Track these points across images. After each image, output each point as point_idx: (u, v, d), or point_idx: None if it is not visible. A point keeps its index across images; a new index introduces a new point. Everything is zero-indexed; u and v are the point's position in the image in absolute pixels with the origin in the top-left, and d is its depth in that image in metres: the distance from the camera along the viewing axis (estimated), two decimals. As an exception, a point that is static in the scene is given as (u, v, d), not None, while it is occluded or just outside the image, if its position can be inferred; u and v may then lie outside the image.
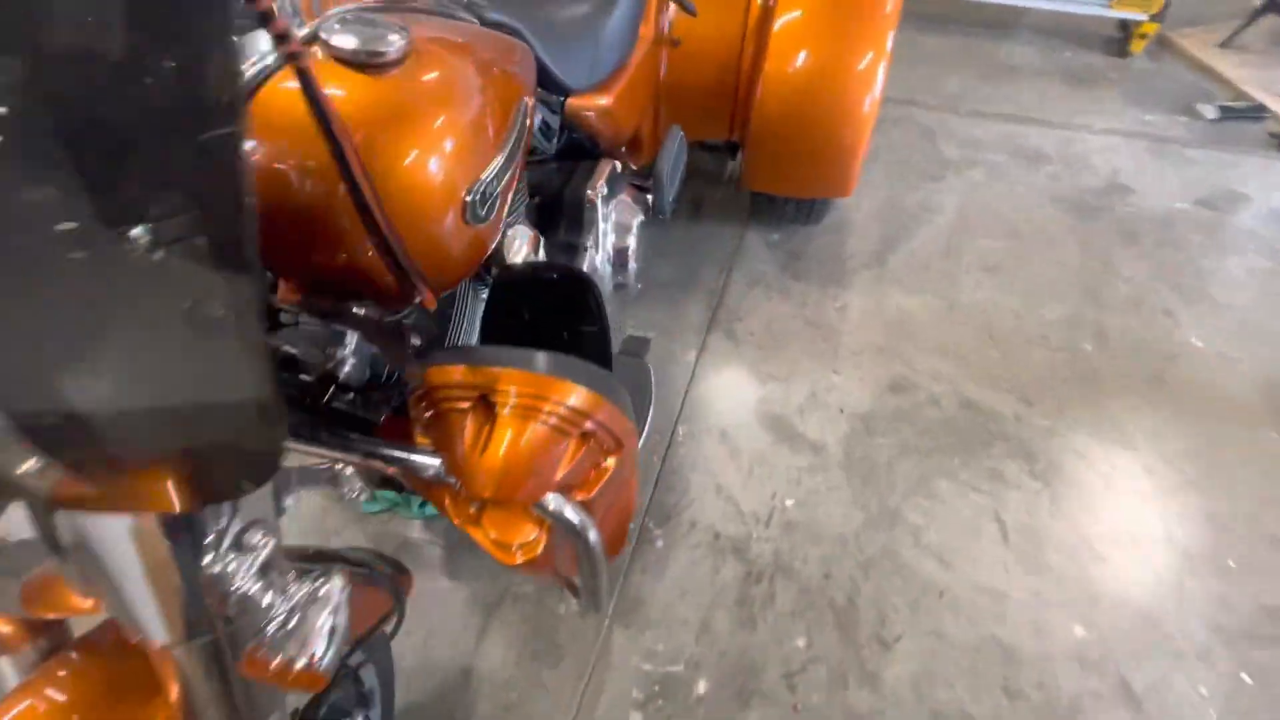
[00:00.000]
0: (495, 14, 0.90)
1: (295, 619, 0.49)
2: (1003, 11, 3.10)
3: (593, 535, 0.68)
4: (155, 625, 0.46)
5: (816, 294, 1.76)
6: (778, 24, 1.43)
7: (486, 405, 0.59)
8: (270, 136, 0.53)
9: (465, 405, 0.59)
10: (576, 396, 0.60)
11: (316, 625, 0.48)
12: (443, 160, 0.58)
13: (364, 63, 0.54)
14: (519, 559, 0.67)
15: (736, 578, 1.25)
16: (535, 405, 0.59)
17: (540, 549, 0.68)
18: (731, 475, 1.39)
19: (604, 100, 1.17)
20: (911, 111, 2.51)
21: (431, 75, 0.60)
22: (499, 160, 0.66)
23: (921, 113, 2.51)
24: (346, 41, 0.54)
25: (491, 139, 0.66)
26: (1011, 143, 2.36)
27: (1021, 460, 1.41)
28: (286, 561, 0.49)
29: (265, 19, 0.36)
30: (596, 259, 1.21)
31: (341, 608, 0.50)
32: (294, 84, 0.44)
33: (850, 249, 1.89)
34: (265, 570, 0.48)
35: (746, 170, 1.61)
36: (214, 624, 0.47)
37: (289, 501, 0.50)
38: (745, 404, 1.51)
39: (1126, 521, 1.32)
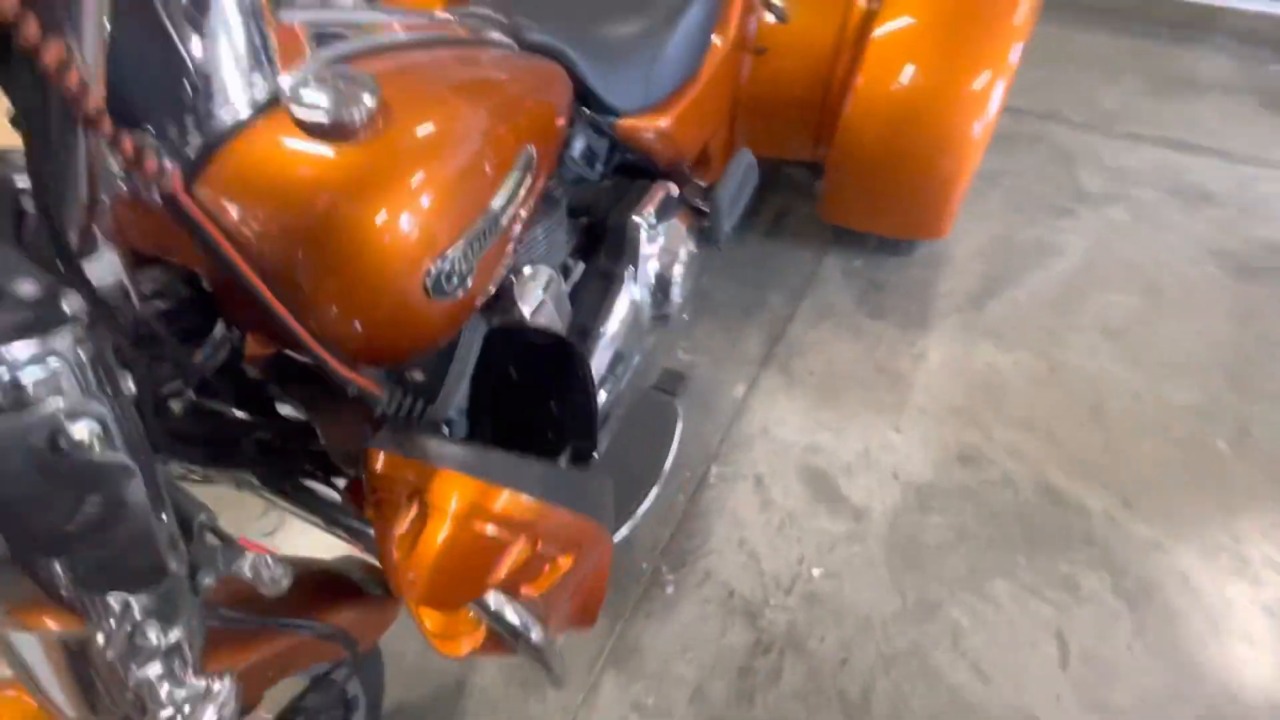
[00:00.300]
0: (537, 34, 0.83)
1: (186, 711, 0.48)
2: (1193, 10, 2.62)
3: (536, 634, 0.62)
4: (63, 701, 0.47)
5: (893, 335, 1.58)
6: (879, 32, 1.26)
7: (423, 502, 0.55)
8: (236, 194, 0.50)
9: (401, 497, 0.55)
10: (519, 505, 0.55)
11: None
12: (397, 237, 0.53)
13: (325, 132, 0.49)
14: (465, 650, 0.63)
15: (744, 644, 1.16)
16: (472, 513, 0.53)
17: (484, 641, 0.64)
18: (759, 529, 1.29)
19: (661, 122, 1.07)
20: (1049, 129, 2.18)
21: (400, 144, 0.54)
22: (478, 224, 0.60)
23: (1062, 131, 2.18)
24: (313, 107, 0.49)
25: (469, 203, 0.60)
26: (1170, 176, 2.00)
27: (1105, 571, 1.20)
28: (190, 653, 0.48)
29: (135, 162, 0.33)
30: (634, 290, 1.13)
31: (229, 703, 0.48)
32: (264, 143, 0.44)
33: (943, 287, 1.68)
34: (169, 657, 0.47)
35: (825, 198, 1.46)
36: (121, 706, 0.47)
37: (209, 581, 0.48)
38: (788, 452, 1.39)
39: (1230, 678, 1.09)
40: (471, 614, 0.60)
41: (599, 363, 1.09)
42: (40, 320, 0.33)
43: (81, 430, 0.34)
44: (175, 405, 0.53)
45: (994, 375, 1.50)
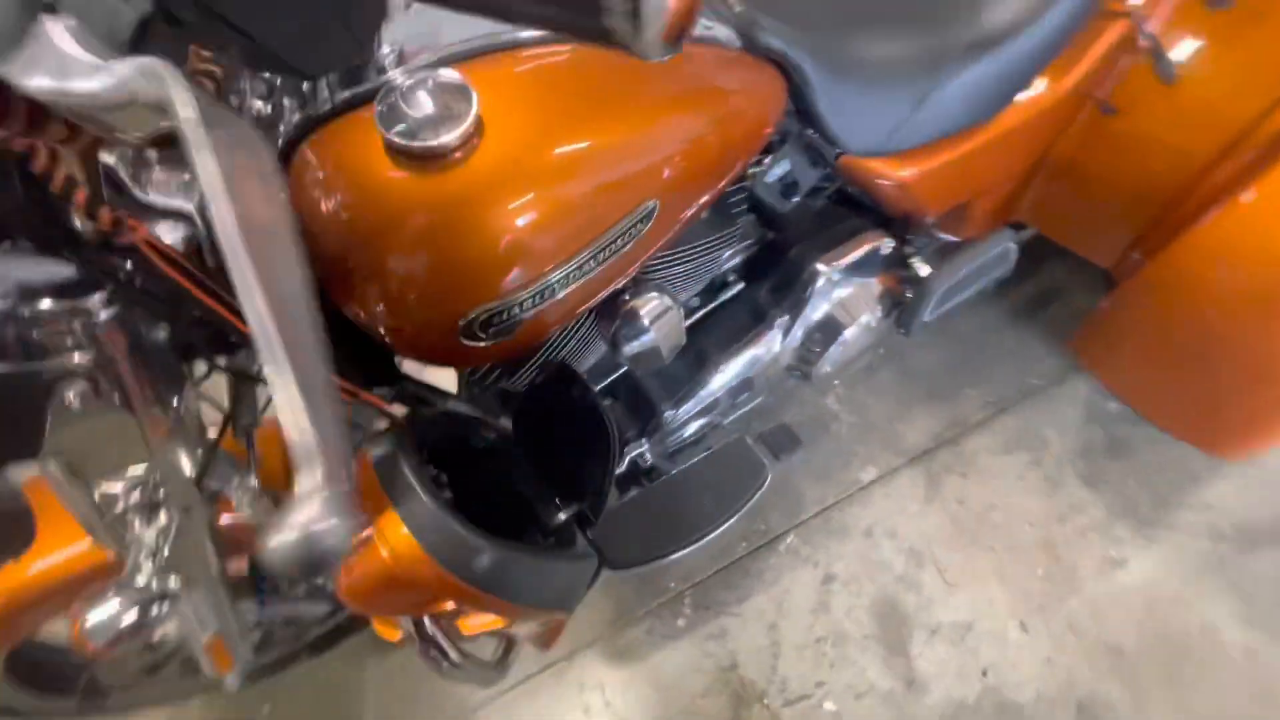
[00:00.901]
0: (770, 36, 0.69)
1: None
2: None
3: (454, 655, 0.63)
4: None
5: (1096, 517, 1.22)
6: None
7: (374, 525, 0.55)
8: (313, 177, 0.50)
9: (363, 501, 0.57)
10: (447, 584, 0.53)
11: None
12: (436, 279, 0.50)
13: (402, 152, 0.46)
14: (398, 637, 0.67)
15: (717, 717, 1.10)
16: (400, 569, 0.53)
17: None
18: (799, 627, 1.16)
19: (905, 172, 0.86)
20: None
21: (473, 190, 0.49)
22: (535, 286, 0.54)
23: None
24: (396, 128, 0.46)
25: (533, 264, 0.54)
26: None
27: None
28: None
29: (90, 214, 0.33)
30: (783, 338, 0.99)
31: None
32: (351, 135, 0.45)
33: (1205, 497, 1.23)
34: None
35: (1092, 333, 1.10)
36: None
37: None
38: (880, 570, 1.20)
39: None
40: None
41: (709, 387, 1.00)
42: None
43: None
44: None
45: (1205, 644, 1.10)
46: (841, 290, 0.98)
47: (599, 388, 0.97)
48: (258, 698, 1.19)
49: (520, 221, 0.50)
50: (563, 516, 0.69)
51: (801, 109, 0.78)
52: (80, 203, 0.34)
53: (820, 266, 0.94)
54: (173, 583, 0.55)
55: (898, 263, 1.01)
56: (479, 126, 0.47)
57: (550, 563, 0.63)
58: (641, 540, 0.99)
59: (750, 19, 0.69)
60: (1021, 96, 0.88)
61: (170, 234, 0.46)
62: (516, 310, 0.54)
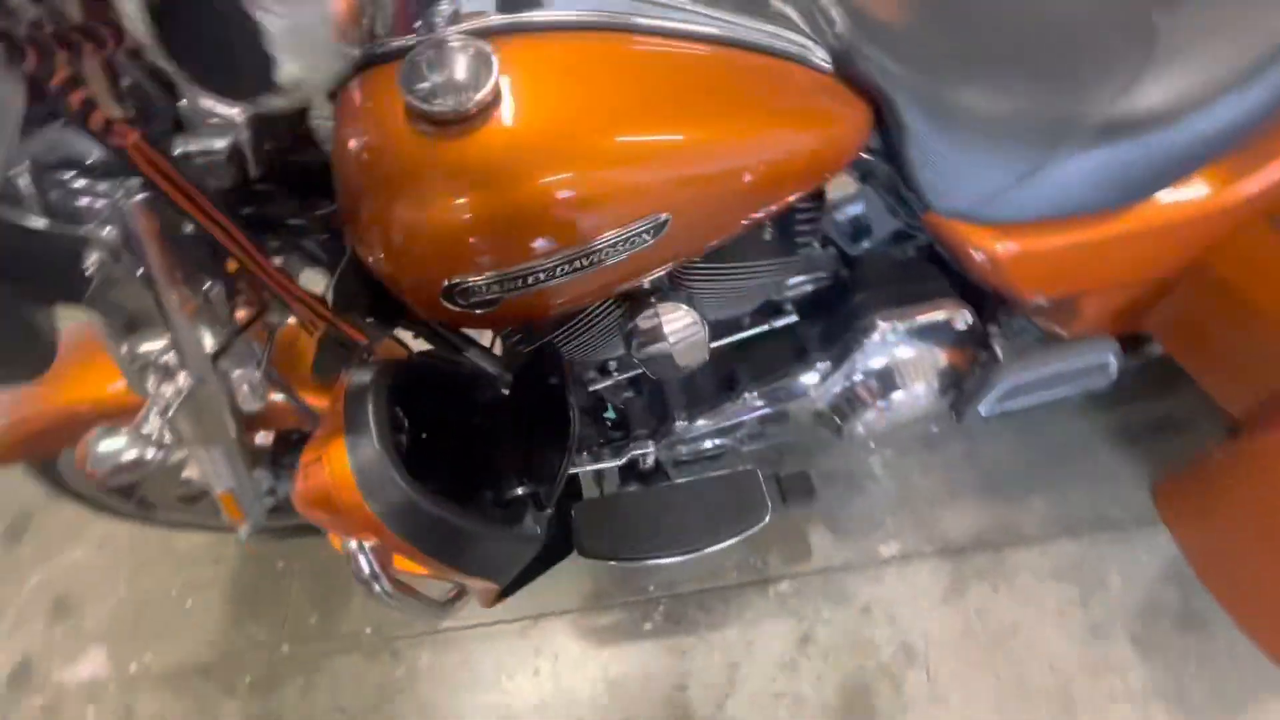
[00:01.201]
0: (871, 70, 0.63)
1: None
2: None
3: (380, 586, 0.67)
4: None
5: (1136, 683, 1.06)
6: None
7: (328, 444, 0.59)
8: (348, 116, 0.53)
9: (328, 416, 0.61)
10: (371, 524, 0.56)
11: None
12: (423, 237, 0.52)
13: (419, 115, 0.48)
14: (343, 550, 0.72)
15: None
16: (335, 497, 0.56)
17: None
18: (760, 676, 1.12)
19: (1000, 246, 0.76)
20: None
21: (472, 161, 0.49)
22: (518, 269, 0.55)
23: None
24: (414, 92, 0.48)
25: (516, 249, 0.54)
26: None
27: None
28: None
29: (84, 115, 0.36)
30: (812, 379, 0.93)
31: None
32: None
33: (1276, 709, 1.03)
34: None
35: (1181, 482, 0.93)
36: None
37: None
38: (866, 649, 1.12)
39: None
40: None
41: (730, 410, 0.97)
42: None
43: None
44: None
45: None
46: (899, 351, 0.90)
47: (624, 377, 0.96)
48: (276, 552, 1.34)
49: (503, 211, 0.51)
50: (519, 492, 0.70)
51: (889, 151, 0.71)
52: (74, 104, 0.38)
53: (880, 320, 0.87)
54: (168, 437, 0.61)
55: (975, 339, 0.91)
56: (496, 101, 0.47)
57: (484, 533, 0.64)
58: (618, 535, 0.99)
59: (850, 43, 0.64)
60: (1169, 194, 0.75)
61: (217, 140, 0.51)
62: (484, 291, 0.55)
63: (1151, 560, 1.15)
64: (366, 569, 0.66)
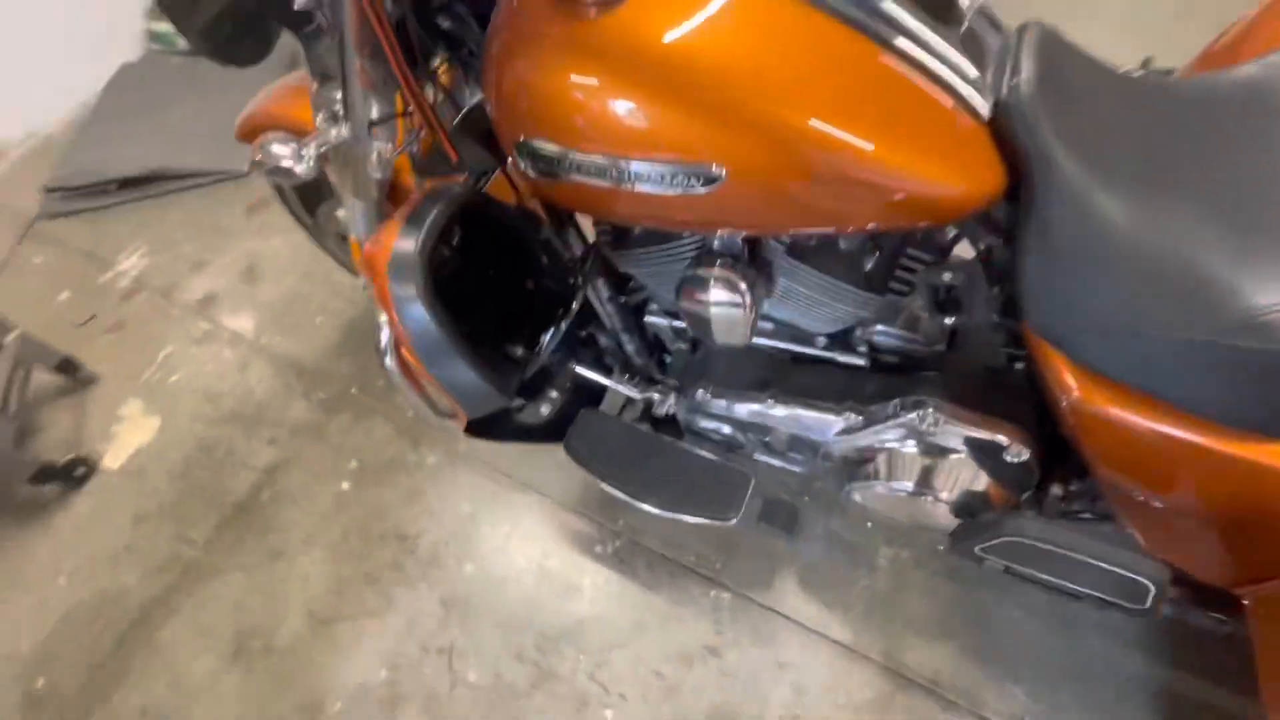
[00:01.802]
0: (1030, 139, 0.57)
1: None
2: None
3: (388, 361, 0.81)
4: None
5: None
6: None
7: None
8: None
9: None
10: (385, 301, 0.69)
11: None
12: (506, 90, 0.62)
13: None
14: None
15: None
16: (374, 262, 0.70)
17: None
18: (652, 656, 1.16)
19: (1092, 407, 0.64)
20: None
21: (576, 47, 0.56)
22: (567, 153, 0.62)
23: None
24: None
25: (567, 129, 0.60)
26: None
27: None
28: None
29: None
30: (836, 425, 0.90)
31: None
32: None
33: None
34: None
35: None
36: None
37: None
38: (752, 695, 1.10)
39: None
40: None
41: (747, 410, 0.97)
42: None
43: None
44: None
45: None
46: (933, 446, 0.84)
47: (683, 326, 0.99)
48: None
49: (577, 94, 0.58)
50: (517, 350, 0.80)
51: (1008, 233, 0.65)
52: None
53: (931, 406, 0.81)
54: (314, 164, 0.78)
55: (1023, 479, 0.82)
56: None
57: (465, 360, 0.74)
58: (601, 452, 1.06)
59: (1024, 101, 0.57)
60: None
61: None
62: (543, 162, 0.63)
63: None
64: (383, 342, 0.80)
